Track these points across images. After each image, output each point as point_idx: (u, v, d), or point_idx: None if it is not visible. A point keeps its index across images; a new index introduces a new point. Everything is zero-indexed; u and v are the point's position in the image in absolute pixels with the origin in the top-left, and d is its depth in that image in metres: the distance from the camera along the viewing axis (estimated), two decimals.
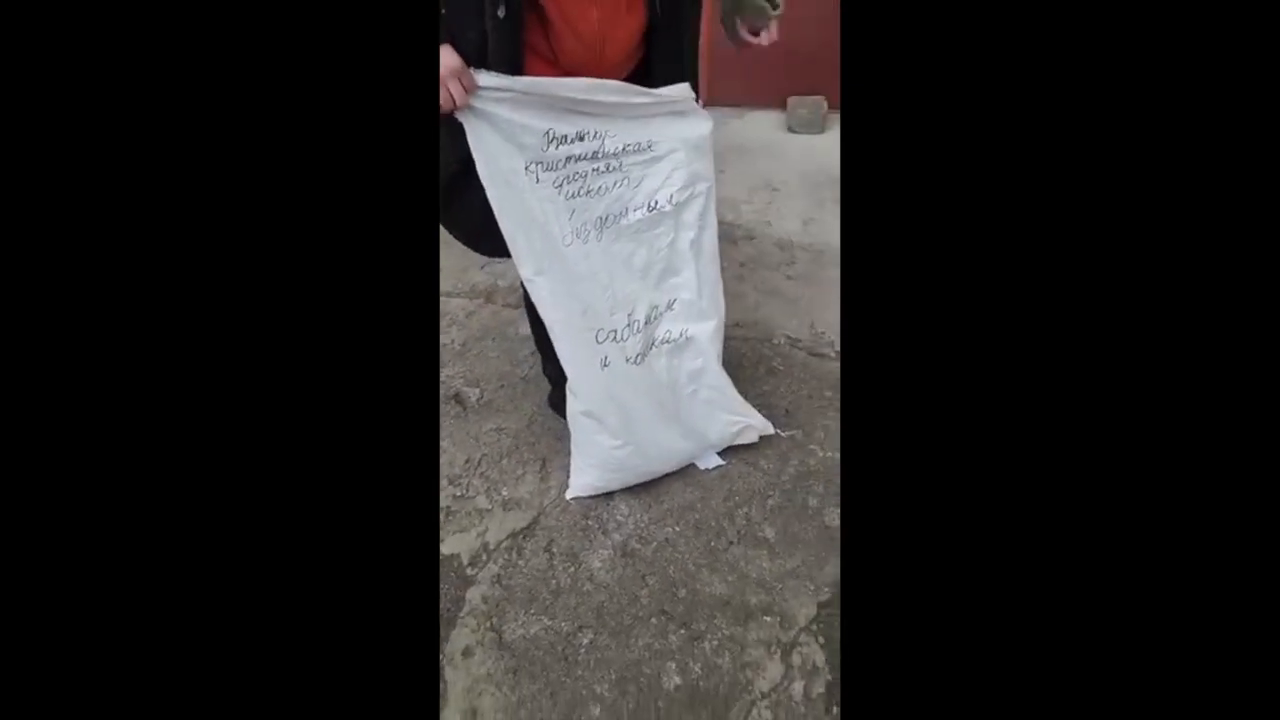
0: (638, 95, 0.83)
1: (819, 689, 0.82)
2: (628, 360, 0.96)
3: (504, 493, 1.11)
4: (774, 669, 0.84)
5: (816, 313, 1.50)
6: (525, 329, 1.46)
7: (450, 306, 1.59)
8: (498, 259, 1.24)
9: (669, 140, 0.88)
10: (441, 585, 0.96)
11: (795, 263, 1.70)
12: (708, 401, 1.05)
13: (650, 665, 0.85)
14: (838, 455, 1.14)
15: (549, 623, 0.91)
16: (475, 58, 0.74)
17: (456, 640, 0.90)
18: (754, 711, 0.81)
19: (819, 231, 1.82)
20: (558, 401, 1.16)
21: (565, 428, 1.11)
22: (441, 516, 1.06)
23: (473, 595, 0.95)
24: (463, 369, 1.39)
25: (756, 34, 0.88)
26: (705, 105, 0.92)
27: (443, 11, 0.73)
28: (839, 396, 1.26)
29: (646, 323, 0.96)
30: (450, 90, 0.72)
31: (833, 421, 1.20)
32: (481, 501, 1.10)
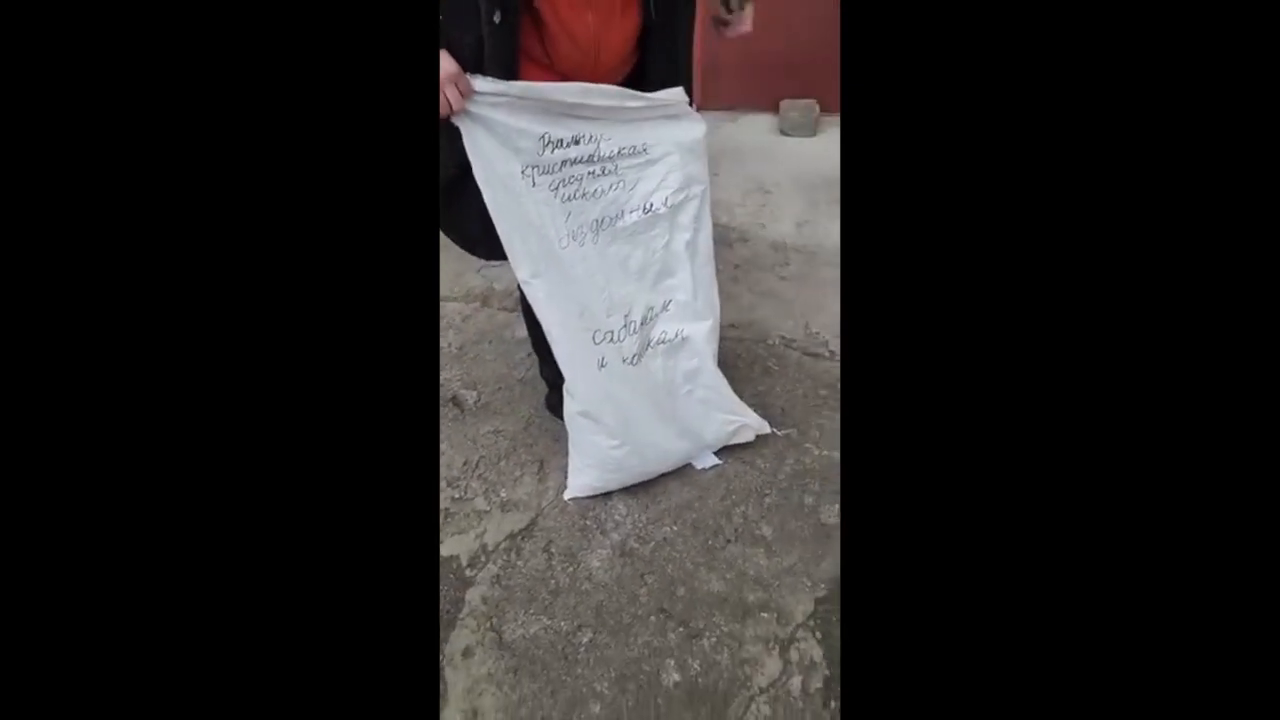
0: (632, 99, 0.84)
1: (817, 684, 0.83)
2: (624, 361, 0.97)
3: (502, 494, 1.11)
4: (772, 665, 0.85)
5: (811, 313, 1.51)
6: (521, 332, 1.47)
7: (447, 310, 1.59)
8: (494, 263, 1.25)
9: (663, 143, 0.90)
10: (441, 587, 0.96)
11: (789, 264, 1.71)
12: (704, 401, 1.06)
13: (650, 663, 0.86)
14: (833, 453, 1.15)
15: (548, 622, 0.91)
16: (471, 63, 0.75)
17: (456, 641, 0.90)
18: (753, 707, 0.81)
19: (812, 233, 1.84)
20: (555, 403, 1.17)
21: (562, 429, 1.12)
22: (440, 518, 1.07)
23: (472, 596, 0.96)
24: (460, 372, 1.39)
25: (726, 24, 0.90)
26: (698, 109, 0.94)
27: (439, 18, 0.73)
28: (834, 395, 1.27)
29: (643, 323, 0.97)
30: (447, 95, 0.73)
31: (827, 420, 1.22)
32: (480, 503, 1.10)
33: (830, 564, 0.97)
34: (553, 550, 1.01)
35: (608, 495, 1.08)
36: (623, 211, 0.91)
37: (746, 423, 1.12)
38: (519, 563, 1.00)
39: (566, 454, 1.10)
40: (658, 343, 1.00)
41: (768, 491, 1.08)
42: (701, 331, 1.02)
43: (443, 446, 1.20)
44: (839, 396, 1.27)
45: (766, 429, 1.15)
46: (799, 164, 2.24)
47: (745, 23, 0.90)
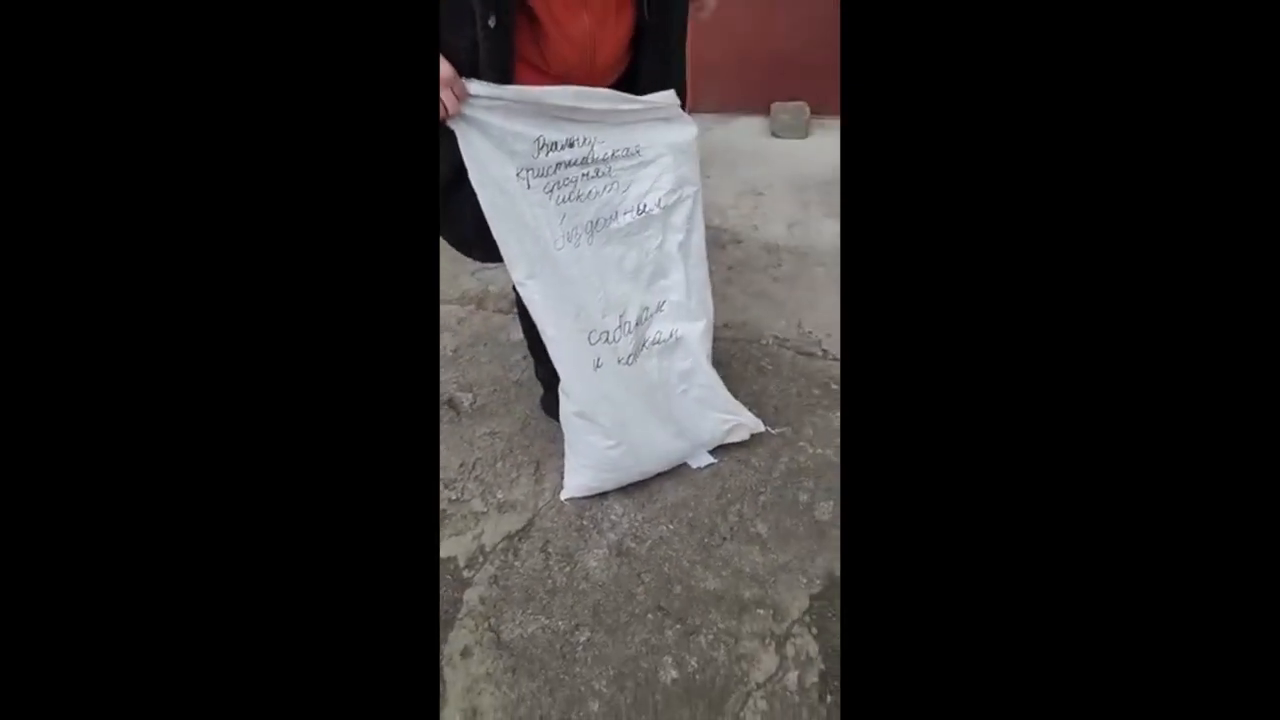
0: (625, 102, 0.85)
1: (813, 678, 0.84)
2: (620, 361, 0.98)
3: (499, 495, 1.12)
4: (769, 660, 0.86)
5: (803, 313, 1.53)
6: (516, 334, 1.48)
7: (442, 313, 1.60)
8: (488, 266, 1.26)
9: (656, 146, 0.91)
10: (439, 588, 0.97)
11: (782, 265, 1.73)
12: (699, 401, 1.07)
13: (647, 660, 0.87)
14: (827, 451, 1.16)
15: (546, 621, 0.92)
16: (466, 67, 0.76)
17: (455, 641, 0.90)
18: (750, 702, 0.82)
19: (804, 234, 1.86)
20: (550, 404, 1.18)
21: (558, 430, 1.13)
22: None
23: (470, 597, 0.96)
24: (456, 374, 1.40)
25: (701, 7, 0.92)
26: (690, 111, 0.95)
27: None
28: (827, 394, 1.29)
29: (637, 324, 0.98)
30: (443, 99, 0.74)
31: (821, 419, 1.23)
32: (477, 505, 1.11)
33: (825, 560, 0.98)
34: (550, 550, 1.02)
35: (604, 495, 1.08)
36: (616, 213, 0.92)
37: (741, 422, 1.13)
38: (516, 563, 1.01)
39: (563, 455, 1.11)
40: (652, 343, 1.00)
41: (763, 490, 1.09)
42: (696, 332, 1.03)
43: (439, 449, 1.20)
44: (832, 395, 1.28)
45: (761, 428, 1.16)
46: (790, 166, 2.26)
47: (712, 1, 0.92)
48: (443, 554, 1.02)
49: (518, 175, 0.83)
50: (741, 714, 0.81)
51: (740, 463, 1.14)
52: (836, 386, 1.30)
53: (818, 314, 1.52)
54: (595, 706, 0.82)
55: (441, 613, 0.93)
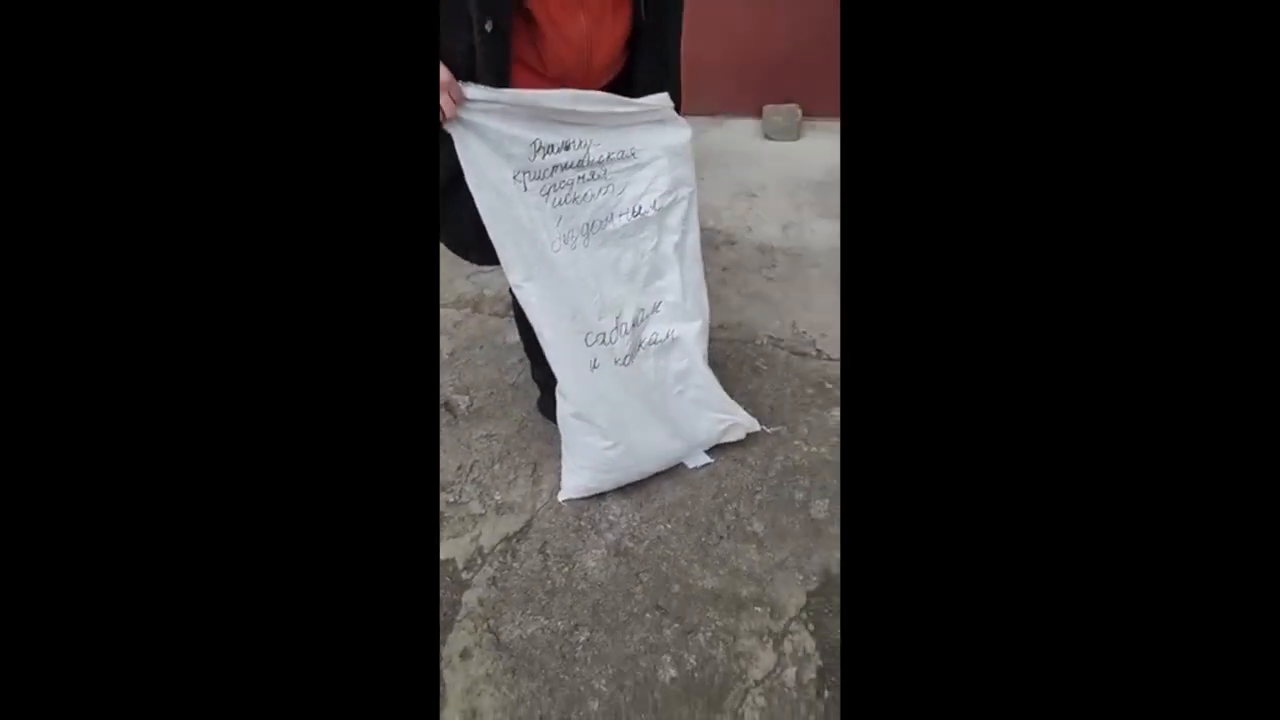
0: (621, 105, 0.86)
1: (810, 674, 0.85)
2: (616, 362, 0.99)
3: (496, 497, 1.12)
4: (766, 657, 0.87)
5: (797, 313, 1.54)
6: (512, 337, 1.48)
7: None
8: (484, 269, 1.26)
9: (651, 148, 0.92)
10: None
11: (776, 265, 1.74)
12: (695, 401, 1.08)
13: (646, 659, 0.87)
14: (822, 450, 1.17)
15: (545, 622, 0.92)
16: (463, 71, 0.77)
17: (454, 643, 0.91)
18: (748, 699, 0.83)
19: (798, 235, 1.87)
20: (547, 406, 1.18)
21: (555, 432, 1.13)
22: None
23: (469, 598, 0.96)
24: (452, 377, 1.40)
25: None
26: (683, 114, 0.96)
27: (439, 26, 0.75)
28: (821, 393, 1.30)
29: (634, 325, 0.99)
30: (440, 103, 0.75)
31: (815, 417, 1.24)
32: (475, 507, 1.11)
33: (821, 558, 0.99)
34: (548, 551, 1.02)
35: (601, 496, 1.09)
36: (612, 215, 0.92)
37: (737, 421, 1.14)
38: (515, 564, 1.01)
39: (560, 456, 1.11)
40: (649, 344, 1.01)
41: (758, 488, 1.10)
42: (691, 332, 1.04)
43: None
44: (826, 394, 1.29)
45: (756, 427, 1.17)
46: (783, 167, 2.28)
47: None
48: (441, 556, 1.02)
49: (514, 178, 0.84)
50: (740, 711, 0.81)
51: (736, 462, 1.15)
52: (831, 386, 1.32)
53: (812, 314, 1.53)
54: (595, 706, 0.83)
55: (440, 615, 0.93)
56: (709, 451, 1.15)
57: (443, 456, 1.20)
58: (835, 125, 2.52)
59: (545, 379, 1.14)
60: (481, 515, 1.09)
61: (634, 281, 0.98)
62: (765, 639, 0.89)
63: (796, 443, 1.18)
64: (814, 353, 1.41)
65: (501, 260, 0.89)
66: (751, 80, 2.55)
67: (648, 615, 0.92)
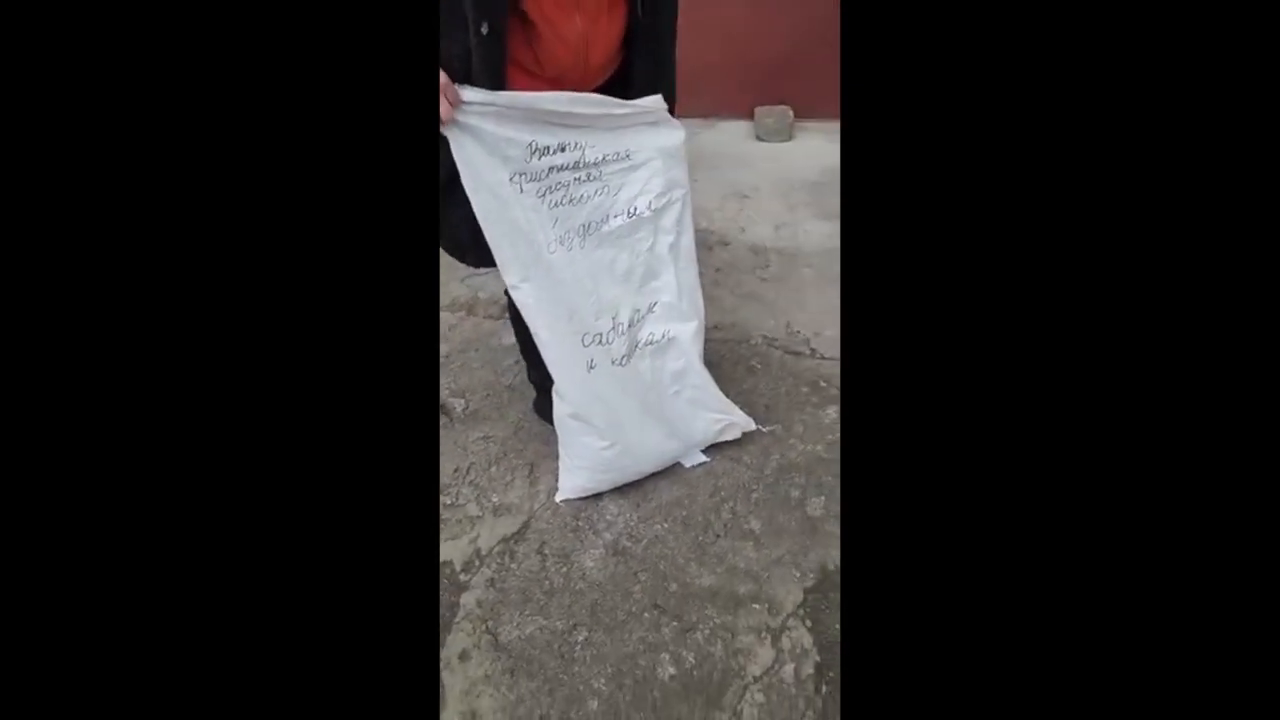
0: (616, 107, 0.87)
1: (808, 670, 0.85)
2: (613, 362, 0.99)
3: (494, 499, 1.12)
4: (765, 654, 0.87)
5: (791, 313, 1.55)
6: (507, 339, 1.48)
7: None
8: (478, 272, 1.26)
9: (646, 149, 0.92)
10: None
11: (769, 266, 1.75)
12: (691, 401, 1.09)
13: (645, 658, 0.88)
14: (817, 448, 1.18)
15: (544, 622, 0.92)
16: (460, 74, 0.77)
17: (453, 645, 0.91)
18: (747, 695, 0.83)
19: (791, 235, 1.88)
20: (543, 407, 1.19)
21: (551, 433, 1.13)
22: None
23: (467, 600, 0.96)
24: (448, 380, 1.40)
25: None
26: (676, 116, 0.97)
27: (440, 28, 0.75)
28: (815, 392, 1.31)
29: (630, 325, 0.99)
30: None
31: (810, 416, 1.25)
32: (472, 509, 1.11)
33: (817, 554, 1.00)
34: (546, 552, 1.03)
35: (598, 496, 1.09)
36: (608, 216, 0.93)
37: (733, 421, 1.15)
38: (513, 565, 1.01)
39: (556, 457, 1.12)
40: (645, 344, 1.02)
41: (755, 487, 1.11)
42: (687, 332, 1.04)
43: None
44: (821, 393, 1.30)
45: (752, 426, 1.18)
46: (775, 168, 2.29)
47: None
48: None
49: (511, 180, 0.84)
50: (739, 707, 0.82)
51: (732, 461, 1.15)
52: (825, 384, 1.33)
53: (806, 314, 1.54)
54: (594, 705, 0.83)
55: (439, 617, 0.93)
56: (705, 451, 1.15)
57: (440, 459, 1.20)
58: (827, 126, 2.54)
59: (541, 380, 1.15)
60: (479, 517, 1.09)
61: (630, 282, 0.98)
62: (763, 635, 0.89)
63: (792, 441, 1.19)
64: (808, 352, 1.42)
65: (498, 262, 0.90)
66: (743, 82, 2.56)
67: (646, 614, 0.93)
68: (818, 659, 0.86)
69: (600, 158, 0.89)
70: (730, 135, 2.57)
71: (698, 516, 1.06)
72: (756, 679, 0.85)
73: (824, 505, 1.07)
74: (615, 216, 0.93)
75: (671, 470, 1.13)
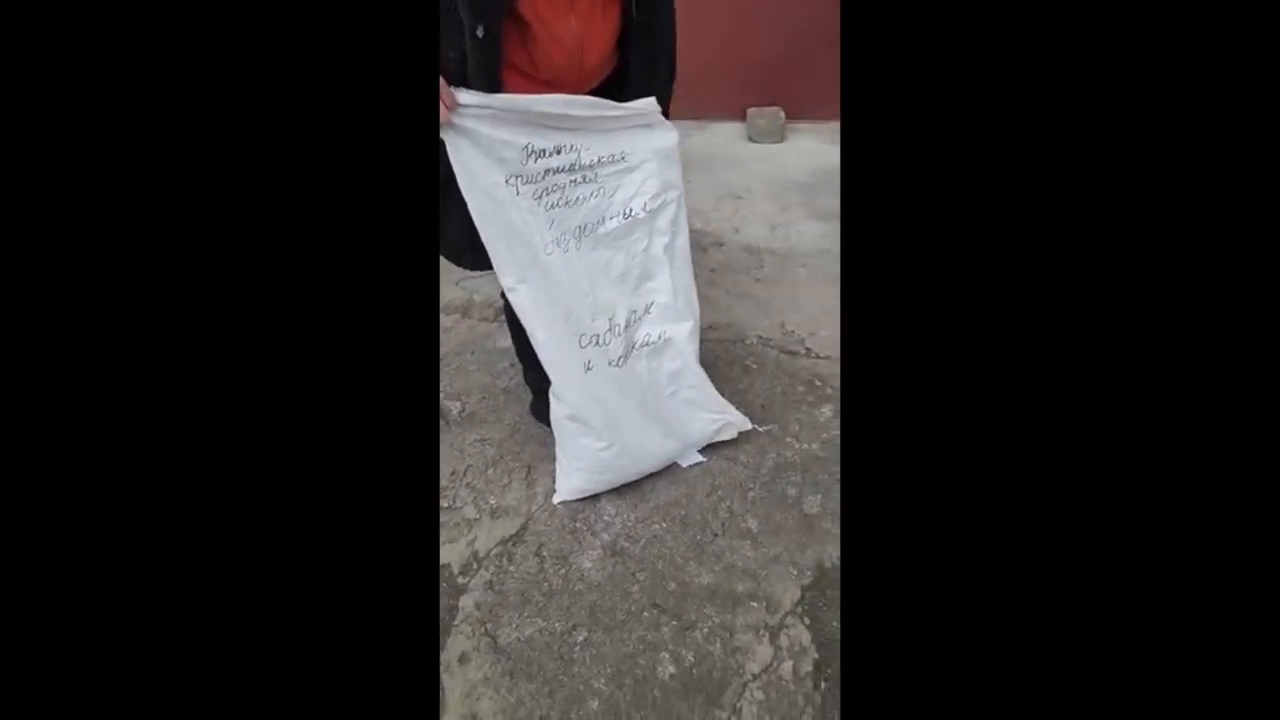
0: (610, 109, 0.87)
1: (807, 667, 0.86)
2: (610, 364, 0.99)
3: (491, 501, 1.12)
4: (763, 651, 0.88)
5: (786, 312, 1.56)
6: (503, 342, 1.48)
7: None
8: (472, 275, 1.26)
9: (640, 151, 0.93)
10: None
11: (763, 266, 1.76)
12: (688, 401, 1.09)
13: (645, 657, 0.88)
14: (813, 446, 1.19)
15: (543, 624, 0.92)
16: (456, 77, 0.77)
17: (452, 648, 0.91)
18: (746, 693, 0.84)
19: (784, 236, 1.89)
20: (540, 410, 1.19)
21: (548, 435, 1.14)
22: None
23: (466, 603, 0.96)
24: (444, 383, 1.40)
25: None
26: (669, 117, 0.97)
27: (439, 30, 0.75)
28: (811, 391, 1.31)
29: (626, 326, 1.00)
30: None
31: (806, 415, 1.26)
32: (469, 511, 1.11)
33: (814, 552, 1.00)
34: (544, 553, 1.03)
35: (596, 497, 1.09)
36: (604, 218, 0.94)
37: (729, 420, 1.15)
38: (511, 567, 1.01)
39: (554, 459, 1.12)
40: (641, 345, 1.02)
41: (751, 486, 1.11)
42: (683, 333, 1.05)
43: None
44: (816, 392, 1.31)
45: (748, 425, 1.18)
46: (768, 169, 2.31)
47: None
48: None
49: (506, 182, 0.85)
50: (739, 705, 0.82)
51: (729, 460, 1.16)
52: (820, 383, 1.33)
53: (800, 313, 1.55)
54: (595, 705, 0.83)
55: (439, 620, 0.93)
56: (702, 451, 1.16)
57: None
58: (818, 127, 2.56)
59: (538, 382, 1.15)
60: (476, 520, 1.09)
61: (625, 283, 0.99)
62: (762, 633, 0.90)
63: (788, 440, 1.20)
64: (803, 351, 1.43)
65: (494, 264, 0.90)
66: (735, 84, 2.58)
67: (645, 614, 0.93)
68: (816, 656, 0.87)
69: (596, 160, 0.90)
70: (723, 137, 2.59)
71: (695, 516, 1.07)
72: (755, 677, 0.85)
73: (820, 503, 1.08)
74: (611, 218, 0.94)
75: (669, 470, 1.14)
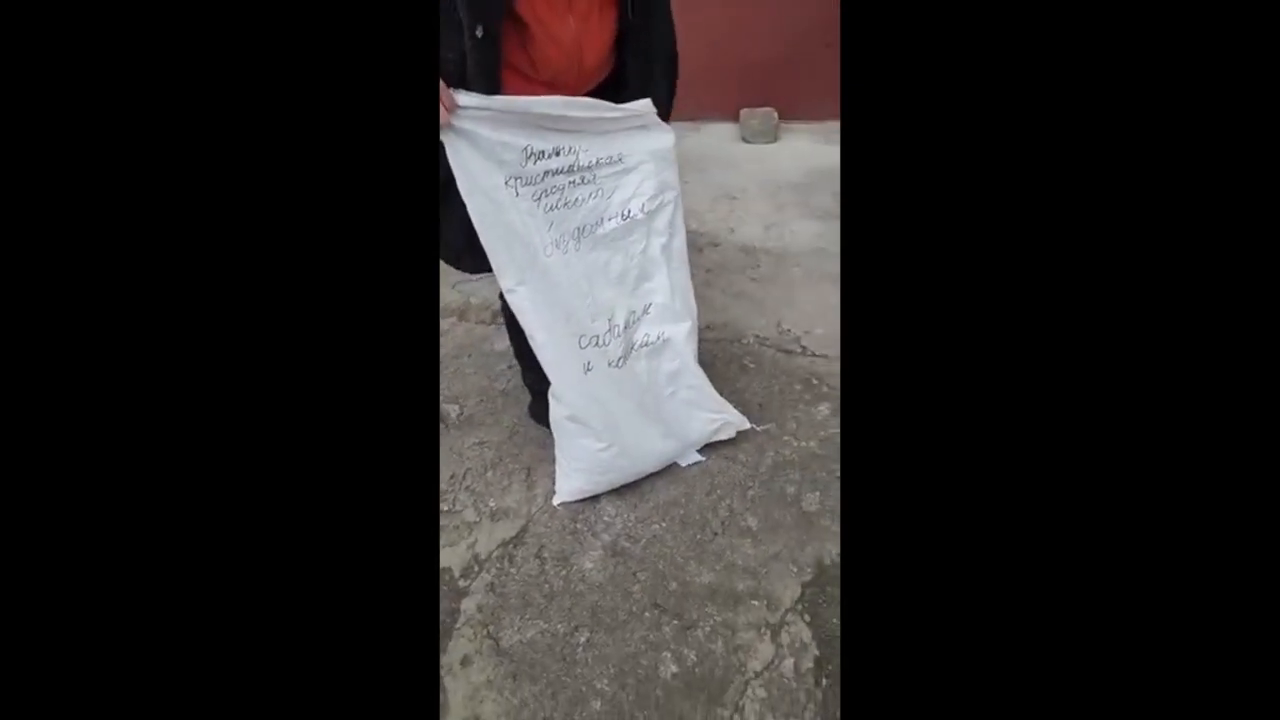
0: (609, 110, 0.88)
1: (808, 664, 0.86)
2: (610, 364, 1.00)
3: (491, 504, 1.12)
4: (765, 649, 0.88)
5: (782, 311, 1.57)
6: (500, 344, 1.49)
7: None
8: (469, 278, 1.26)
9: (638, 153, 0.93)
10: None
11: (759, 266, 1.77)
12: (687, 401, 1.10)
13: (647, 657, 0.88)
14: (811, 444, 1.19)
15: (545, 625, 0.93)
16: (455, 78, 0.77)
17: (454, 651, 0.91)
18: (749, 690, 0.84)
19: (779, 235, 1.90)
20: (538, 411, 1.19)
21: (547, 437, 1.14)
22: None
23: (467, 605, 0.96)
24: (441, 386, 1.39)
25: None
26: (670, 119, 0.98)
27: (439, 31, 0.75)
28: (808, 389, 1.32)
29: (625, 327, 1.00)
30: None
31: (803, 413, 1.26)
32: (469, 514, 1.11)
33: (814, 549, 1.01)
34: (545, 555, 1.03)
35: (596, 498, 1.10)
36: (602, 219, 0.94)
37: (728, 420, 1.16)
38: (512, 570, 1.01)
39: (553, 460, 1.12)
40: (640, 345, 1.03)
41: (750, 484, 1.12)
42: (681, 333, 1.05)
43: None
44: (813, 390, 1.32)
45: (746, 424, 1.19)
46: (762, 169, 2.31)
47: None
48: None
49: (506, 184, 0.85)
50: (741, 703, 0.83)
51: (728, 459, 1.16)
52: (817, 381, 1.34)
53: (796, 312, 1.56)
54: (598, 705, 0.83)
55: (439, 623, 0.93)
56: (701, 450, 1.16)
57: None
58: (811, 128, 2.57)
59: (536, 383, 1.15)
60: (476, 522, 1.09)
61: (624, 284, 0.99)
62: (763, 631, 0.90)
63: (786, 438, 1.20)
64: (800, 350, 1.44)
65: (494, 266, 0.90)
66: (728, 85, 2.59)
67: (646, 614, 0.93)
68: (817, 653, 0.87)
69: (594, 161, 0.90)
70: (716, 137, 2.60)
71: (695, 515, 1.07)
72: (757, 674, 0.86)
73: (819, 500, 1.09)
74: (609, 219, 0.94)
75: (668, 470, 1.14)
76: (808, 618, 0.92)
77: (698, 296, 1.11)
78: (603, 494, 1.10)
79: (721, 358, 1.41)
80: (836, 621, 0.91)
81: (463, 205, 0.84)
